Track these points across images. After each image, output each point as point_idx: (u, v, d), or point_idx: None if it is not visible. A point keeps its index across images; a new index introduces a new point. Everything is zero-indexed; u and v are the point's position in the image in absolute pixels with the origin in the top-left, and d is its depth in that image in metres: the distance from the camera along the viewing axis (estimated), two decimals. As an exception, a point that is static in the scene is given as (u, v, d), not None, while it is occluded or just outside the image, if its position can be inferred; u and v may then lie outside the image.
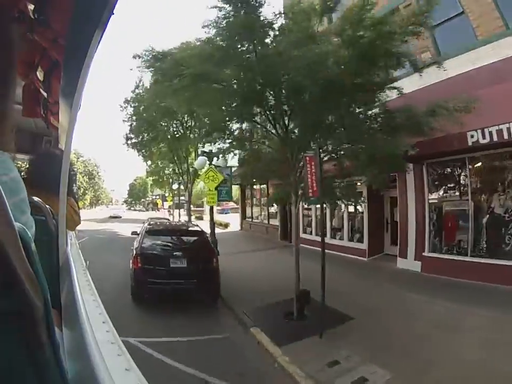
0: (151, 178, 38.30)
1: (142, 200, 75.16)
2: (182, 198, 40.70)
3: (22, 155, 2.45)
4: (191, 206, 39.67)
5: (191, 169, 19.06)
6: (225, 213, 41.16)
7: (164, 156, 21.77)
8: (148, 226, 7.36)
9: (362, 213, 10.00)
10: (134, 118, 18.88)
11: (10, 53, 0.53)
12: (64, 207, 1.35)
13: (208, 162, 9.93)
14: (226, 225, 23.75)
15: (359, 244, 10.06)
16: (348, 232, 10.71)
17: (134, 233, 9.00)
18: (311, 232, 12.75)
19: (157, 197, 57.78)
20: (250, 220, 19.51)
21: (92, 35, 0.65)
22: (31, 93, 1.69)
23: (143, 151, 20.58)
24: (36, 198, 1.27)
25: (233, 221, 24.93)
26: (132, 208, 74.06)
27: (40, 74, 1.49)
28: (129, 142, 19.98)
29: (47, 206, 1.36)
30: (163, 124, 17.99)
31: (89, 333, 0.62)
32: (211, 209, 10.87)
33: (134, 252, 6.50)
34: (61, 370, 0.47)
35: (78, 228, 2.27)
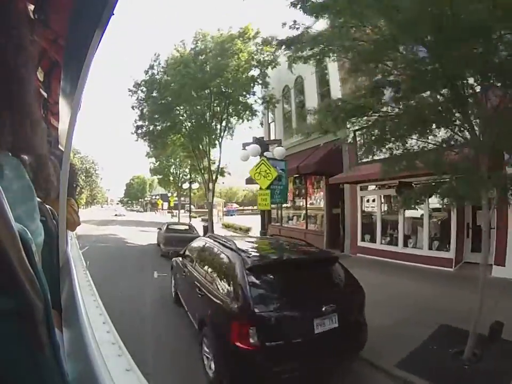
0: (155, 177, 35.67)
1: (140, 200, 72.89)
2: (181, 198, 39.65)
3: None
4: (192, 206, 37.81)
5: (213, 165, 16.70)
6: (231, 215, 38.43)
7: (181, 148, 18.92)
8: (245, 255, 3.57)
9: (443, 216, 8.51)
10: (146, 103, 16.09)
11: (21, 53, 0.53)
12: (64, 207, 1.35)
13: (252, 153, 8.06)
14: (247, 230, 20.67)
15: (442, 252, 8.67)
16: (428, 239, 9.05)
17: (179, 256, 5.93)
18: (371, 239, 10.69)
19: (157, 197, 55.93)
20: (279, 224, 16.50)
21: (91, 35, 0.65)
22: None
23: (156, 142, 17.31)
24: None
25: (245, 224, 22.46)
26: (128, 208, 71.60)
27: (40, 75, 1.49)
28: (139, 131, 16.94)
29: (47, 206, 1.36)
30: (181, 109, 15.47)
31: (89, 334, 0.62)
32: (266, 213, 8.78)
33: (229, 310, 3.16)
34: (61, 371, 0.47)
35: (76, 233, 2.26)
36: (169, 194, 38.95)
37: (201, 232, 13.66)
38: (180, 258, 5.80)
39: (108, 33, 0.71)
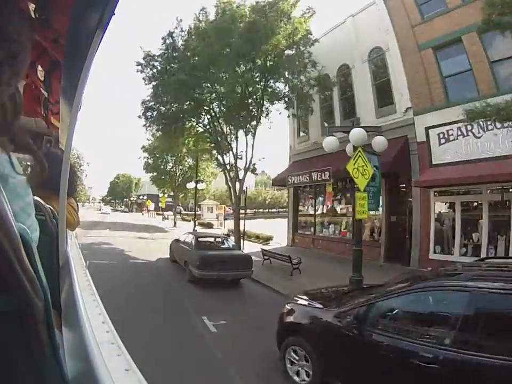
0: (146, 175, 31.70)
1: (125, 199, 67.61)
2: (169, 199, 35.42)
3: (22, 155, 2.45)
4: (181, 208, 32.56)
5: (240, 159, 13.35)
6: (226, 219, 36.48)
7: (197, 137, 15.34)
8: None
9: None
10: (162, 77, 12.80)
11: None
12: (64, 207, 1.35)
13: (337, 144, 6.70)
14: (268, 239, 16.22)
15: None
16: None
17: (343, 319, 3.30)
18: (445, 250, 9.04)
19: (144, 197, 51.71)
20: (310, 233, 14.01)
21: (92, 35, 0.65)
22: (31, 93, 1.69)
23: (170, 127, 13.59)
24: (36, 198, 1.27)
25: (259, 230, 18.88)
26: (112, 208, 65.08)
27: (40, 74, 1.49)
28: (148, 114, 13.71)
29: (47, 206, 1.36)
30: (208, 86, 12.56)
31: (89, 333, 0.62)
32: (357, 224, 6.64)
33: None
34: (61, 370, 0.47)
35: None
36: (161, 195, 35.51)
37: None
38: (354, 331, 3.12)
39: (108, 33, 0.72)
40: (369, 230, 11.43)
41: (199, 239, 9.05)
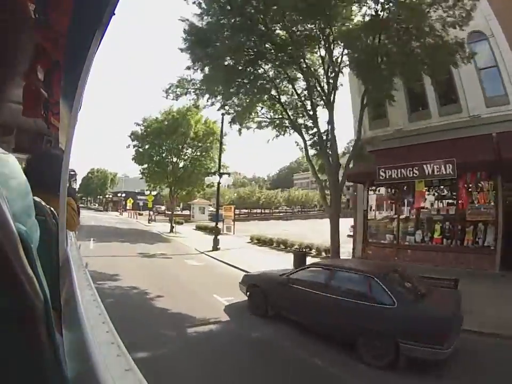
0: (142, 168, 23.98)
1: (99, 197, 61.49)
2: (142, 198, 31.21)
3: (22, 155, 2.46)
4: (164, 207, 25.54)
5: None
6: (220, 220, 31.80)
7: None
8: None
9: None
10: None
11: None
12: (64, 207, 1.35)
13: None
14: (320, 251, 12.78)
15: None
16: None
17: None
18: None
19: (122, 194, 47.41)
20: (390, 241, 11.26)
21: (92, 35, 0.65)
22: (31, 93, 1.69)
23: (248, 75, 9.01)
24: (36, 198, 1.27)
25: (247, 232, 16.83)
26: (83, 205, 57.56)
27: (40, 74, 1.49)
28: (198, 51, 8.75)
29: (48, 206, 1.36)
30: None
31: (89, 333, 0.62)
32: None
33: None
34: (61, 371, 0.47)
35: None
36: (147, 192, 31.08)
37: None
38: None
39: (108, 33, 0.71)
40: (472, 235, 9.77)
41: (388, 278, 4.81)
